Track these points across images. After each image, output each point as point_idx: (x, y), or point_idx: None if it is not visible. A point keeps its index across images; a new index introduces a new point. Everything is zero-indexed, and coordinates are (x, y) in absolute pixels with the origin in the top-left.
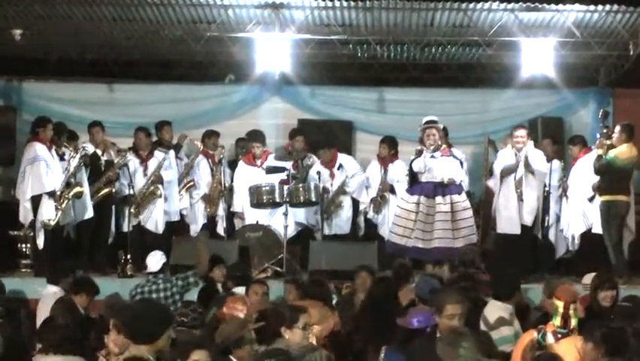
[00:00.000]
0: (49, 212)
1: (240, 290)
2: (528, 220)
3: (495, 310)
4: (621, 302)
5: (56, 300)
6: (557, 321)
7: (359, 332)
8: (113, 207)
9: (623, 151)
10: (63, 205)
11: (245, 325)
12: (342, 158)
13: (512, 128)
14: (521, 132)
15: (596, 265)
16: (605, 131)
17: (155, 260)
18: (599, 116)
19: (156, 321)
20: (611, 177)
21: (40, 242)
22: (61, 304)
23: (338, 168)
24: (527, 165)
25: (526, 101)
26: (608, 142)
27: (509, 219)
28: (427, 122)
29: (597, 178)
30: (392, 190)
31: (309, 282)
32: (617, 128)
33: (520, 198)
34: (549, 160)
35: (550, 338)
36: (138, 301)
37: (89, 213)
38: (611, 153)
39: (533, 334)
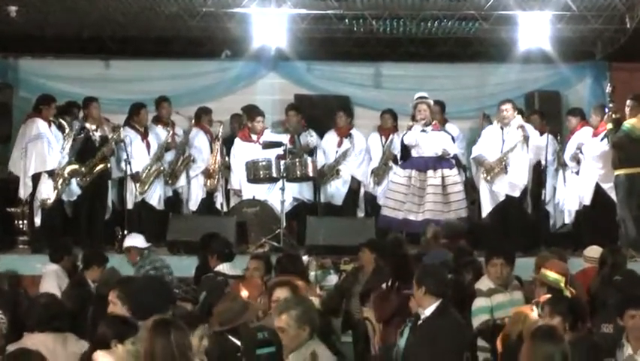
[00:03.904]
0: (47, 191)
1: (225, 267)
2: (513, 192)
3: (477, 283)
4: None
5: (67, 286)
6: (568, 293)
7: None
8: (110, 183)
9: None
10: (59, 183)
11: (247, 307)
12: (355, 131)
13: (500, 100)
14: (507, 106)
15: (596, 238)
16: (611, 105)
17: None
18: (607, 90)
19: (159, 297)
20: (630, 150)
21: (38, 220)
22: (72, 290)
23: (347, 137)
24: (527, 144)
25: (523, 75)
26: (615, 116)
27: (493, 193)
28: (418, 98)
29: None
30: (395, 160)
31: (284, 257)
32: (629, 102)
33: (504, 171)
34: (541, 134)
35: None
36: (144, 276)
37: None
38: (627, 124)
39: (532, 308)
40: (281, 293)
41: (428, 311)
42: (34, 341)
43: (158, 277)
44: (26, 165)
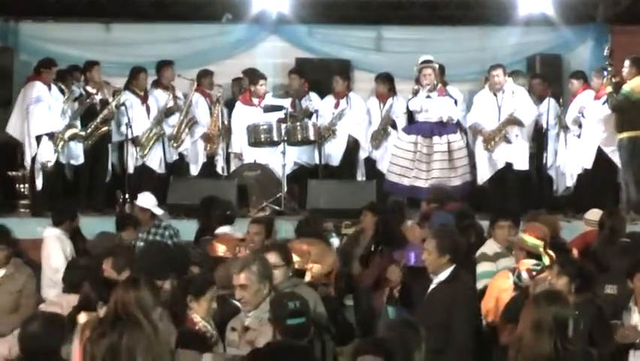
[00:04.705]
0: (47, 154)
1: (226, 230)
2: (514, 160)
3: (482, 247)
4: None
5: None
6: (546, 260)
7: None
8: (110, 146)
9: (638, 84)
10: (59, 146)
11: None
12: (353, 94)
13: (490, 66)
14: (498, 72)
15: (597, 201)
16: (610, 69)
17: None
18: (605, 54)
19: (159, 262)
20: (631, 113)
21: (39, 183)
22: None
23: (343, 97)
24: (518, 122)
25: (525, 38)
26: (615, 80)
27: (492, 161)
28: (423, 62)
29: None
30: (394, 125)
31: (304, 220)
32: (627, 63)
33: (504, 140)
34: (543, 98)
35: (525, 277)
36: (147, 242)
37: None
38: (626, 87)
39: (508, 275)
40: (270, 258)
41: (442, 276)
42: (68, 301)
43: (160, 243)
44: (29, 128)
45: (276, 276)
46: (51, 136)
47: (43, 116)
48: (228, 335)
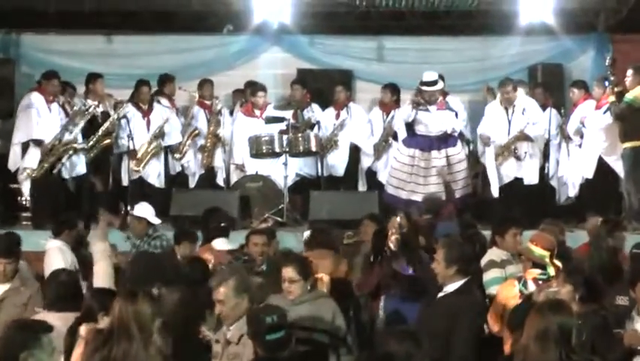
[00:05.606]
0: (32, 161)
1: (220, 242)
2: (528, 177)
3: (488, 254)
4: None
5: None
6: (552, 271)
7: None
8: (111, 158)
9: None
10: (51, 159)
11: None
12: (353, 104)
13: (499, 81)
14: (509, 88)
15: (599, 211)
16: (612, 78)
17: (152, 213)
18: (607, 63)
19: (147, 270)
20: (633, 121)
21: (26, 190)
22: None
23: (343, 108)
24: (528, 139)
25: (526, 48)
26: (617, 89)
27: (500, 174)
28: (430, 84)
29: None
30: (395, 137)
31: (316, 231)
32: (630, 72)
33: (516, 157)
34: (544, 108)
35: (531, 286)
36: (138, 252)
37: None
38: (629, 96)
39: (514, 284)
40: (287, 273)
41: (452, 287)
42: (53, 320)
43: (146, 252)
44: (15, 133)
45: (294, 290)
46: (38, 144)
47: (28, 123)
48: (213, 347)
